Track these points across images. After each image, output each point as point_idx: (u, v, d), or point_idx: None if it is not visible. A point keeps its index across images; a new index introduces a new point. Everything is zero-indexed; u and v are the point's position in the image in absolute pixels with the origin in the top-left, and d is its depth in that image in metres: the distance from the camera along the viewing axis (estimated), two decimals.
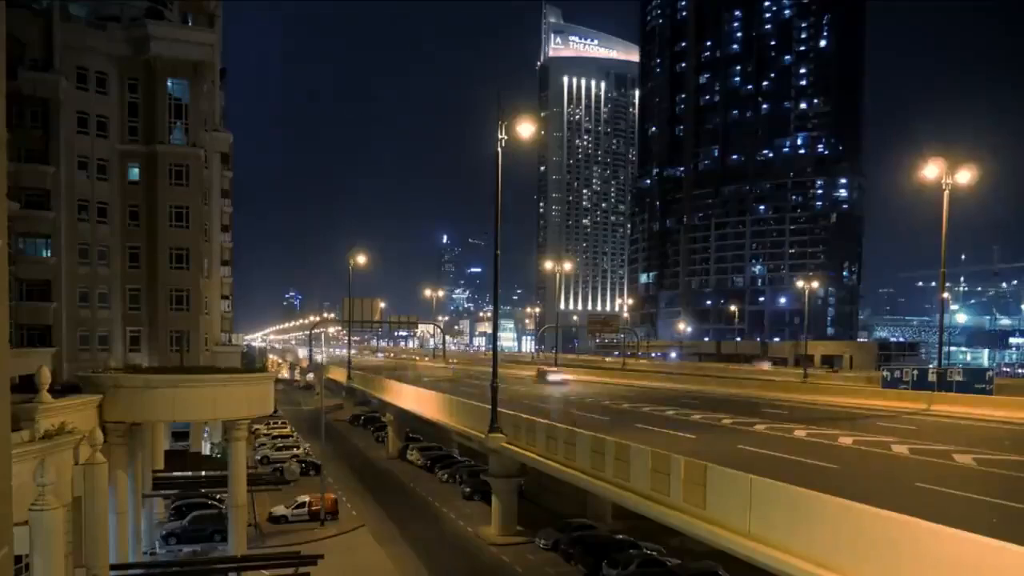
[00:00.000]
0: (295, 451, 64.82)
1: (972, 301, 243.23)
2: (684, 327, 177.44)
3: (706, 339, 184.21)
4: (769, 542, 18.11)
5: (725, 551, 20.31)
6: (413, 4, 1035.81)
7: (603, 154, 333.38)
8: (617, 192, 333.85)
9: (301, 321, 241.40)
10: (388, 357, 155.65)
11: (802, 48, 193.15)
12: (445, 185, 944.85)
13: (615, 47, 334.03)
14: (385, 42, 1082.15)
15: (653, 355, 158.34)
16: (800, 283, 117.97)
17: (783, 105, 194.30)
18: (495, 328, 44.32)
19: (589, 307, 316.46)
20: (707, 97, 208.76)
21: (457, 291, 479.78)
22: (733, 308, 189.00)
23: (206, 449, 56.44)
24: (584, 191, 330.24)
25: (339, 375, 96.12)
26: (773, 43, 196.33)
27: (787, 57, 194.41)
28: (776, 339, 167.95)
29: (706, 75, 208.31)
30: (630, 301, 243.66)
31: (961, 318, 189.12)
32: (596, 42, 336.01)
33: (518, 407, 41.67)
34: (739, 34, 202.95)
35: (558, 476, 31.53)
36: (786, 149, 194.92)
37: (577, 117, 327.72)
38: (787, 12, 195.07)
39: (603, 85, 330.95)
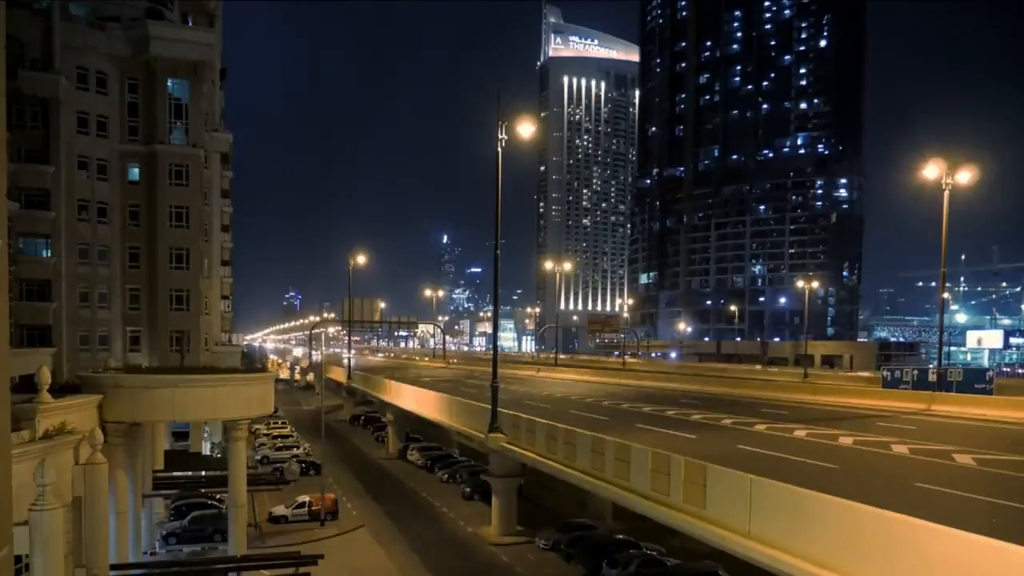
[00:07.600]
0: (295, 451, 64.85)
1: (972, 302, 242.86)
2: (684, 327, 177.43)
3: (706, 339, 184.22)
4: (769, 542, 18.08)
5: (725, 551, 20.28)
6: (413, 4, 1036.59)
7: (603, 154, 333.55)
8: (617, 192, 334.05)
9: (301, 321, 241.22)
10: (388, 357, 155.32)
11: (802, 48, 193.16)
12: (445, 185, 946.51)
13: (615, 47, 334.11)
14: (385, 42, 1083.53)
15: (653, 355, 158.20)
16: (800, 283, 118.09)
17: (783, 105, 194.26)
18: (495, 328, 44.32)
19: (589, 307, 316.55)
20: (707, 97, 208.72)
21: (457, 291, 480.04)
22: (733, 308, 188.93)
23: (206, 449, 56.45)
24: (584, 191, 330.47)
25: (339, 375, 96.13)
26: (773, 43, 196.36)
27: (787, 57, 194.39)
28: (776, 339, 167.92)
29: (706, 75, 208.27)
30: (630, 301, 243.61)
31: (961, 318, 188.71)
32: (596, 42, 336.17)
33: (518, 407, 41.63)
34: (739, 34, 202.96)
35: (558, 476, 31.46)
36: (786, 149, 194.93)
37: (577, 117, 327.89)
38: (787, 12, 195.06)
39: (603, 85, 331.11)
